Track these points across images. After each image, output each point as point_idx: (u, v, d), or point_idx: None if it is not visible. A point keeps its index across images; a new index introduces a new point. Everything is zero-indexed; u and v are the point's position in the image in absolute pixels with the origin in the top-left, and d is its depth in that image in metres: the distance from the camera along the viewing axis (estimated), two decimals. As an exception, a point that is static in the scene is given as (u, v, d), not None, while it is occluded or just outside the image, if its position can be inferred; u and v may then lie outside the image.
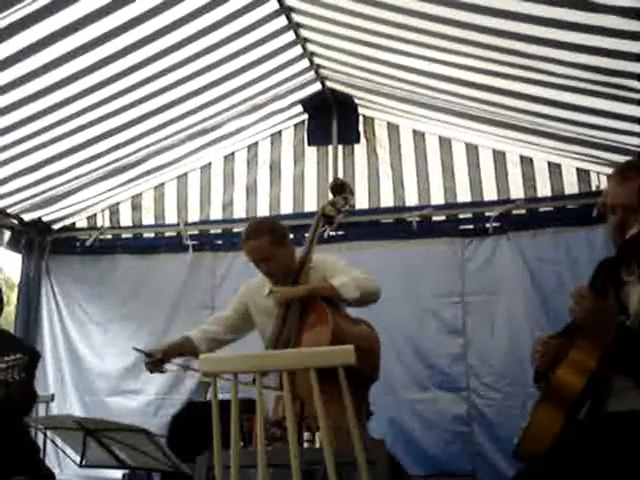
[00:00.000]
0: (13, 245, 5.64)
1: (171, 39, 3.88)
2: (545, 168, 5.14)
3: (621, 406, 2.16)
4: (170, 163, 5.47)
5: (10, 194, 4.99)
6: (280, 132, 5.67)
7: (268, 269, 3.42)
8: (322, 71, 5.06)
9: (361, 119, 5.50)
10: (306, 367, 1.90)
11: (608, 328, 2.13)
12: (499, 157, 5.25)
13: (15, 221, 5.48)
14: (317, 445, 2.72)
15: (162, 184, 5.77)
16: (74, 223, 5.91)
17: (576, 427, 2.16)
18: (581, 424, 2.18)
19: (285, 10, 4.13)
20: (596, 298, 2.12)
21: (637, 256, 2.20)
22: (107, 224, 5.85)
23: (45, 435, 3.67)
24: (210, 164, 5.72)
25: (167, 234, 5.79)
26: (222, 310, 5.11)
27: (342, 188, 3.69)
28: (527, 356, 2.64)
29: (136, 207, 5.83)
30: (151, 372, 3.48)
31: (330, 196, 3.71)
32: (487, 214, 5.17)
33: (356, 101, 5.37)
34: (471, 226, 5.27)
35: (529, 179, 5.17)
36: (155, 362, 3.39)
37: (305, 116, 5.53)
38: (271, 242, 3.38)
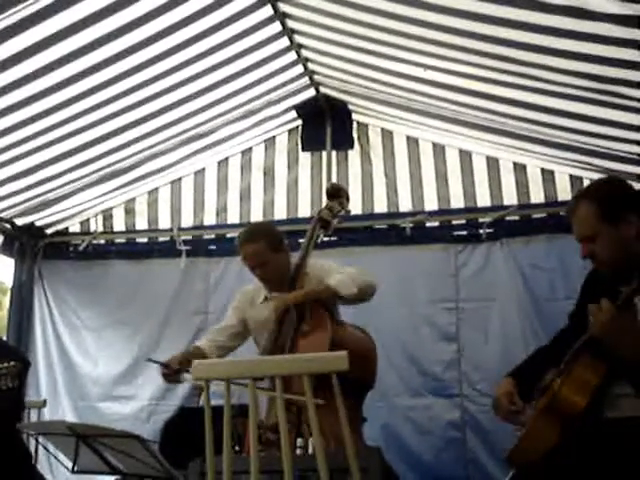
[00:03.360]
0: (6, 249, 5.61)
1: (165, 44, 3.87)
2: (538, 175, 5.15)
3: (618, 412, 2.16)
4: (164, 168, 5.46)
5: (3, 198, 4.96)
6: (274, 138, 5.66)
7: (263, 274, 3.41)
8: (316, 77, 5.06)
9: (355, 125, 5.50)
10: (299, 373, 1.90)
11: (626, 341, 2.07)
12: (493, 164, 5.25)
13: (8, 225, 5.46)
14: (310, 451, 2.71)
15: (156, 189, 5.75)
16: (67, 228, 5.88)
17: (574, 433, 2.16)
18: (579, 430, 2.17)
19: (279, 16, 4.14)
20: (618, 310, 2.07)
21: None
22: (100, 229, 5.83)
23: (37, 441, 3.64)
24: (204, 169, 5.71)
25: (160, 239, 5.77)
26: (215, 314, 5.22)
27: (338, 193, 3.71)
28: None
29: (129, 212, 5.81)
30: (168, 382, 3.47)
31: (326, 201, 3.72)
32: (480, 220, 5.18)
33: (350, 107, 5.37)
34: (464, 232, 5.27)
35: (522, 186, 5.17)
36: (172, 372, 3.34)
37: (299, 122, 5.53)
38: (267, 247, 3.36)
